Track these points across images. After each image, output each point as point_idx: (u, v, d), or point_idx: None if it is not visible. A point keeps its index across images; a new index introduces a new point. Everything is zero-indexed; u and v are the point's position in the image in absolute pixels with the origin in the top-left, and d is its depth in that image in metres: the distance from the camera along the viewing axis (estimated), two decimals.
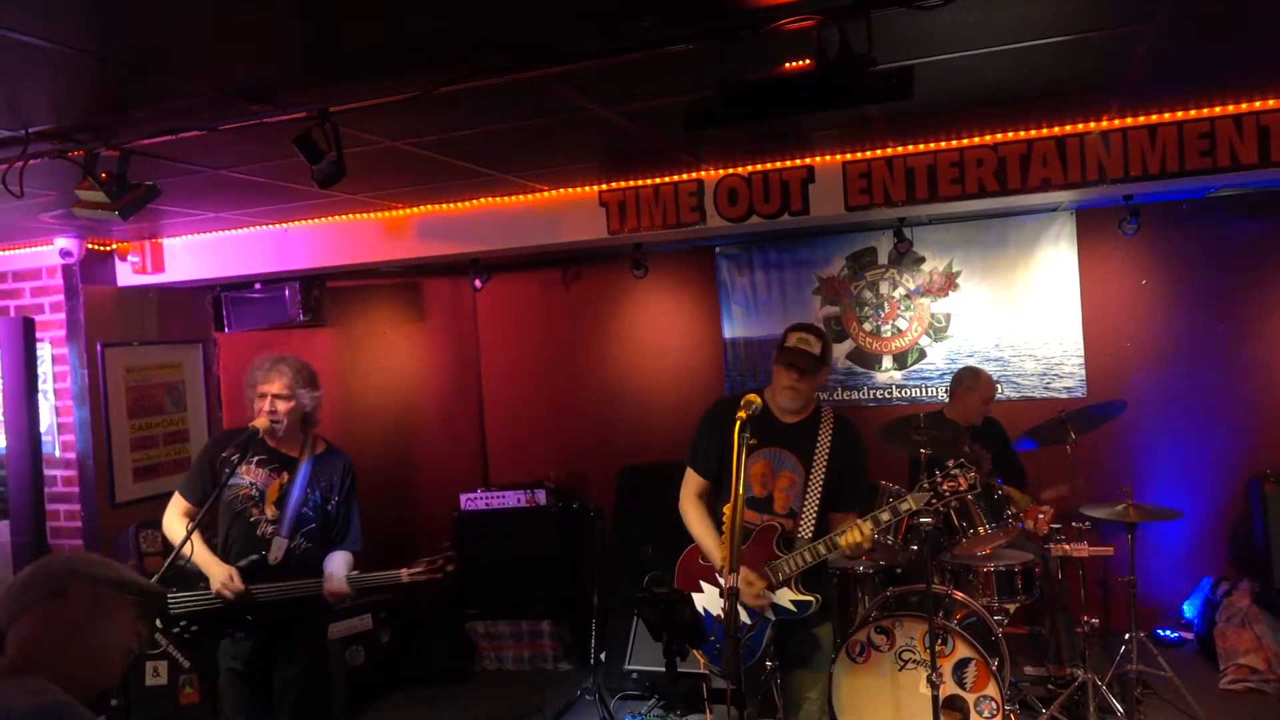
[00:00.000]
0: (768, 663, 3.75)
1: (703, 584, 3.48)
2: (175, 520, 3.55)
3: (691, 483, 3.52)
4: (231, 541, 3.52)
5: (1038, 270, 5.75)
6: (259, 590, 3.39)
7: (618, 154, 4.12)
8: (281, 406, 3.48)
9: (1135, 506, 4.43)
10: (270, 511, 3.49)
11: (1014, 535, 4.30)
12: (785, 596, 3.29)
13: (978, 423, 4.87)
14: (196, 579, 3.40)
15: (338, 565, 3.49)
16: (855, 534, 3.16)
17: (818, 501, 3.32)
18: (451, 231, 5.00)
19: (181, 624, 3.37)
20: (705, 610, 3.40)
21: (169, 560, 3.30)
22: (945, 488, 3.25)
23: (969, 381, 4.93)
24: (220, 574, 3.35)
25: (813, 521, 3.31)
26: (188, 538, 3.30)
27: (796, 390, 3.34)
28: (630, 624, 5.04)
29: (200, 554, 3.40)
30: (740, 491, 2.82)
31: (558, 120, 3.43)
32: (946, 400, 5.18)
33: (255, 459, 3.54)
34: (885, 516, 3.22)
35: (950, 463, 3.33)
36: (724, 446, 3.32)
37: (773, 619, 3.33)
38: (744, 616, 3.31)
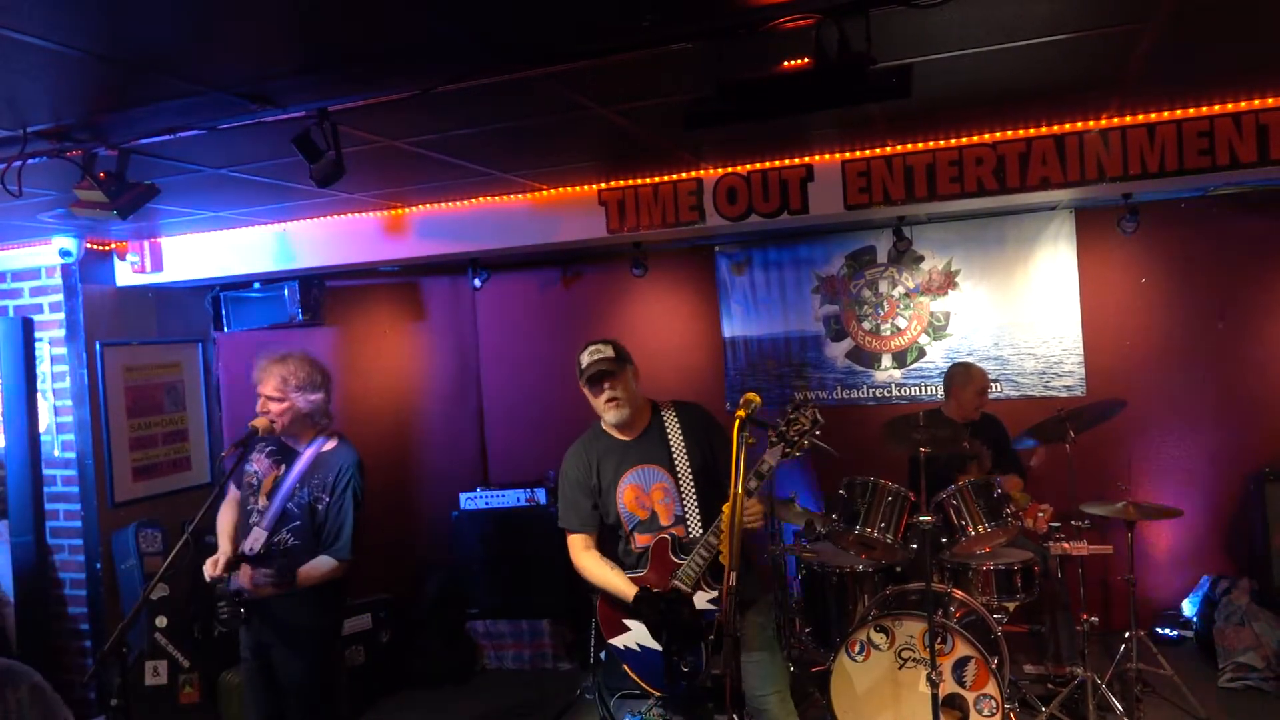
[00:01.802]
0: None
1: (625, 622, 3.29)
2: (221, 513, 3.71)
3: (575, 542, 3.40)
4: (238, 527, 3.60)
5: (1037, 269, 5.75)
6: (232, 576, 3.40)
7: (617, 153, 4.12)
8: (274, 408, 3.48)
9: (1135, 505, 4.43)
10: (261, 502, 3.50)
11: (1013, 534, 4.30)
12: (702, 599, 3.14)
13: (975, 418, 4.87)
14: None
15: (304, 566, 3.39)
16: (728, 509, 2.94)
17: (695, 496, 3.22)
18: (451, 231, 5.00)
19: (221, 605, 3.36)
20: (639, 645, 3.24)
21: (168, 560, 3.28)
22: (791, 432, 3.05)
23: (961, 377, 4.95)
24: (214, 555, 3.43)
25: (699, 518, 3.21)
26: (187, 533, 3.30)
27: (617, 400, 3.23)
28: None
29: (220, 534, 3.60)
30: (740, 491, 2.82)
31: (557, 120, 3.43)
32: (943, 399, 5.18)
33: (266, 449, 3.59)
34: (752, 485, 2.98)
35: (789, 407, 3.12)
36: (589, 492, 3.35)
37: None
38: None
